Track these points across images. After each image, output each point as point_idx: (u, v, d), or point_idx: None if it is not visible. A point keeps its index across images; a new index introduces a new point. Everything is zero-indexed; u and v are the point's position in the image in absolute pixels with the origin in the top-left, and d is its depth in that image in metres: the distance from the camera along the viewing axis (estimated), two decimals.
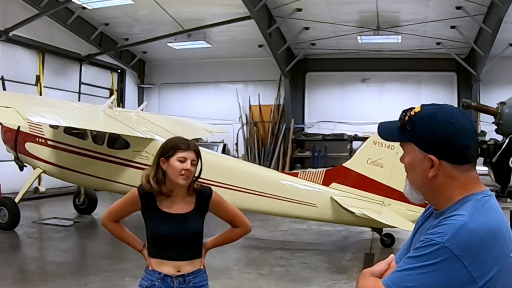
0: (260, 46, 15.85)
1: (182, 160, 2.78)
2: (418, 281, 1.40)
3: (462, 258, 1.38)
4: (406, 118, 1.58)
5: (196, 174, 2.88)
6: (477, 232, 1.41)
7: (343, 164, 8.03)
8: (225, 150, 15.94)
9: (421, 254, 1.42)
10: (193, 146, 2.86)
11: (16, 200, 8.81)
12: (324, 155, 16.38)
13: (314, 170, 8.43)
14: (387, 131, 1.66)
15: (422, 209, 1.76)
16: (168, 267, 2.79)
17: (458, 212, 1.47)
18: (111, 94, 16.42)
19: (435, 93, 15.93)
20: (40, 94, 13.78)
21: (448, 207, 1.53)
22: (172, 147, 2.83)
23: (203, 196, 2.89)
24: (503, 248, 1.45)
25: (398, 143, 1.67)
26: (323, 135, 16.51)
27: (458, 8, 12.46)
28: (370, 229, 8.28)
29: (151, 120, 9.93)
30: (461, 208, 1.48)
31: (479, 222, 1.43)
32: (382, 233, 7.96)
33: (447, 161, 1.51)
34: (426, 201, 1.66)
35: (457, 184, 1.53)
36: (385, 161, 7.39)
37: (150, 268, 2.83)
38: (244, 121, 17.58)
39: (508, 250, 1.47)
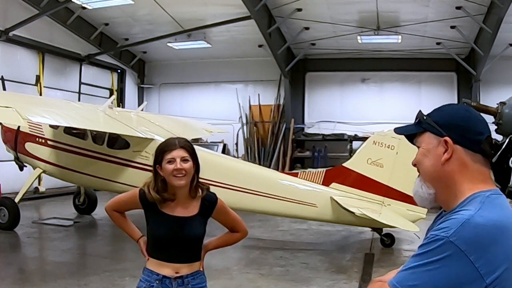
0: (260, 46, 15.84)
1: (171, 161, 2.73)
2: (423, 279, 1.36)
3: (468, 254, 1.32)
4: (422, 113, 1.64)
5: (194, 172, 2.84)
6: (483, 226, 1.36)
7: (343, 164, 8.04)
8: (225, 150, 15.92)
9: (426, 250, 1.38)
10: (180, 143, 2.80)
11: (16, 200, 8.81)
12: (324, 155, 16.35)
13: (314, 170, 8.42)
14: (403, 128, 1.70)
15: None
16: (167, 269, 2.78)
17: (464, 208, 1.45)
18: (111, 94, 16.41)
19: (435, 93, 15.92)
20: (40, 94, 13.78)
21: (456, 205, 1.50)
22: (159, 152, 2.80)
23: (208, 202, 2.88)
24: None
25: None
26: (323, 135, 16.49)
27: (458, 8, 12.45)
28: (370, 229, 8.28)
29: (151, 120, 9.93)
30: (468, 204, 1.45)
31: (486, 217, 1.38)
32: (382, 233, 7.97)
33: (461, 146, 1.52)
34: (435, 203, 1.62)
35: (468, 175, 1.51)
36: (385, 161, 7.39)
37: (147, 258, 2.84)
38: (244, 121, 17.57)
39: None
